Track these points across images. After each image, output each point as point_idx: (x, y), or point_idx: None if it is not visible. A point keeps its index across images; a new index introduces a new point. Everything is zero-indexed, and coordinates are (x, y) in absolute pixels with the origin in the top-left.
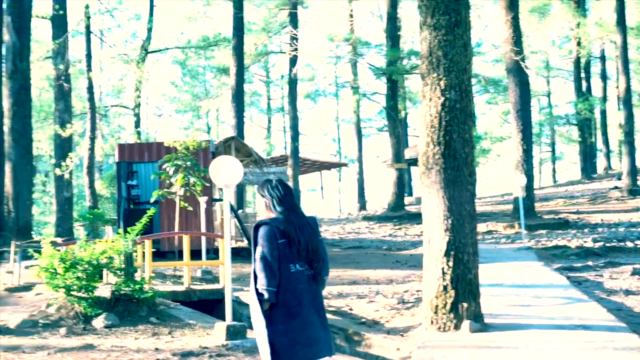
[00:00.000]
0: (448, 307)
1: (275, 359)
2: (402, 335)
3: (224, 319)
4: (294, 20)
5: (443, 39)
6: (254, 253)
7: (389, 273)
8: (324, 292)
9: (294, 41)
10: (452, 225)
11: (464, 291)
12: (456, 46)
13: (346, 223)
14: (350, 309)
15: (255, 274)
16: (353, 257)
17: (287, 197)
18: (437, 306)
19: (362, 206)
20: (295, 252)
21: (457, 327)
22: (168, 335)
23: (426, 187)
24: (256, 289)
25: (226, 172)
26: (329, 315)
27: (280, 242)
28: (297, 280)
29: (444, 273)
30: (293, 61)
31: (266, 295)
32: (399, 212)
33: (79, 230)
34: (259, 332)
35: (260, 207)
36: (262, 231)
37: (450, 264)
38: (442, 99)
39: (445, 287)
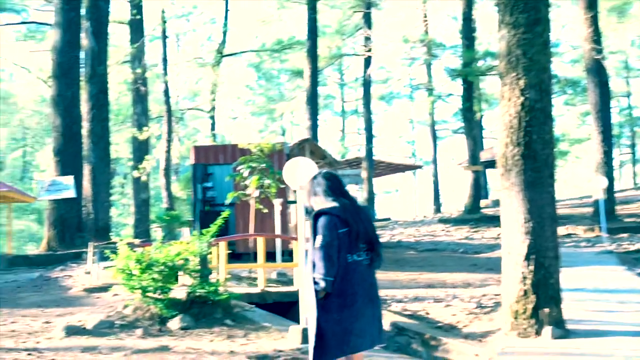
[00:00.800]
0: (528, 312)
1: (325, 346)
2: (480, 341)
3: (298, 322)
4: (368, 22)
5: (522, 37)
6: (314, 241)
7: (465, 276)
8: (400, 294)
9: (368, 43)
10: (533, 229)
11: (545, 296)
12: (535, 44)
13: (421, 225)
14: (427, 313)
15: (314, 262)
16: (429, 260)
17: (340, 187)
18: (517, 311)
19: (438, 209)
20: (354, 241)
21: (537, 333)
22: (243, 338)
23: (505, 189)
24: (313, 278)
25: (300, 173)
26: (405, 320)
27: (340, 232)
28: (355, 270)
29: (524, 277)
30: (367, 63)
31: (323, 284)
32: (476, 214)
33: (157, 232)
34: (311, 320)
35: (314, 201)
36: (323, 220)
37: (531, 268)
38: (522, 98)
39: (525, 292)
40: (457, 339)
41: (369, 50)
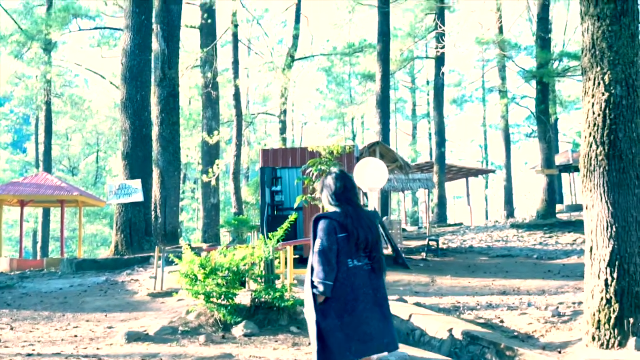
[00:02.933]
0: (612, 322)
1: (327, 353)
2: (559, 352)
3: None
4: (440, 24)
5: (607, 29)
6: (313, 246)
7: (540, 283)
8: (472, 301)
9: (440, 45)
10: (617, 233)
11: (629, 305)
12: (622, 37)
13: (493, 231)
14: (501, 321)
15: (312, 267)
16: (501, 266)
17: (346, 191)
18: (599, 321)
19: (510, 213)
20: (354, 246)
21: (621, 344)
22: (308, 346)
23: (588, 191)
24: (312, 282)
25: (370, 174)
26: (478, 328)
27: (339, 237)
28: (355, 275)
29: (607, 285)
30: (439, 66)
31: (321, 289)
32: (549, 219)
33: (226, 236)
34: (310, 325)
35: (323, 201)
36: (321, 224)
37: (615, 275)
38: (607, 94)
39: (608, 300)
40: (534, 349)
41: (442, 53)
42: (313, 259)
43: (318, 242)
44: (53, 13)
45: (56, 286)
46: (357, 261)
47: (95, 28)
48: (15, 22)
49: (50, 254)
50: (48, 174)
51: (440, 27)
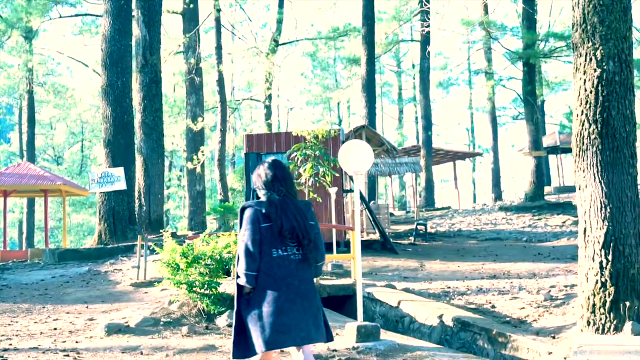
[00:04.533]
0: (607, 306)
1: (245, 342)
2: (553, 337)
3: (355, 318)
4: (424, 6)
5: (599, 3)
6: (239, 236)
7: (530, 266)
8: (462, 286)
9: (426, 25)
10: (611, 214)
11: (625, 288)
12: (614, 11)
13: (482, 214)
14: (493, 307)
15: (238, 257)
16: (491, 250)
17: (276, 180)
18: (594, 305)
19: (498, 196)
20: (278, 236)
21: (617, 328)
22: None
23: (580, 171)
24: (237, 272)
25: (356, 157)
26: (469, 314)
27: (262, 226)
28: (279, 265)
29: (602, 267)
30: (425, 49)
31: (244, 279)
32: (538, 201)
33: (213, 224)
34: (234, 314)
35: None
36: (246, 214)
37: (610, 257)
38: (599, 71)
39: (603, 284)
40: (528, 335)
41: (427, 36)
42: (238, 250)
43: (241, 232)
44: (33, 0)
45: (37, 277)
46: (282, 251)
47: (76, 15)
48: None
49: (37, 244)
50: (31, 164)
51: (425, 7)
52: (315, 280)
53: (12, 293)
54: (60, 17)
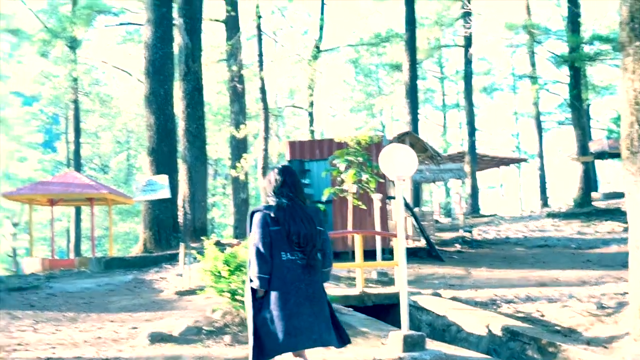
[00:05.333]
0: None
1: (260, 346)
2: (605, 347)
3: (400, 327)
4: (467, 12)
5: None
6: (249, 240)
7: (580, 274)
8: (510, 294)
9: (468, 27)
10: None
11: None
12: None
13: (529, 221)
14: (542, 315)
15: (250, 261)
16: (539, 257)
17: (285, 185)
18: None
19: (545, 203)
20: (286, 240)
21: None
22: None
23: (630, 175)
24: (249, 276)
25: (398, 162)
26: (518, 323)
27: (272, 230)
28: (288, 269)
29: None
30: (467, 54)
31: (257, 283)
32: (587, 208)
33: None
34: (248, 319)
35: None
36: (255, 218)
37: None
38: None
39: None
40: (578, 345)
41: (470, 40)
42: (249, 253)
43: (252, 236)
44: (77, 10)
45: (83, 286)
46: (290, 255)
47: (120, 24)
48: (39, 19)
49: (84, 253)
50: (77, 173)
51: (468, 11)
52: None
53: (58, 301)
54: (105, 26)
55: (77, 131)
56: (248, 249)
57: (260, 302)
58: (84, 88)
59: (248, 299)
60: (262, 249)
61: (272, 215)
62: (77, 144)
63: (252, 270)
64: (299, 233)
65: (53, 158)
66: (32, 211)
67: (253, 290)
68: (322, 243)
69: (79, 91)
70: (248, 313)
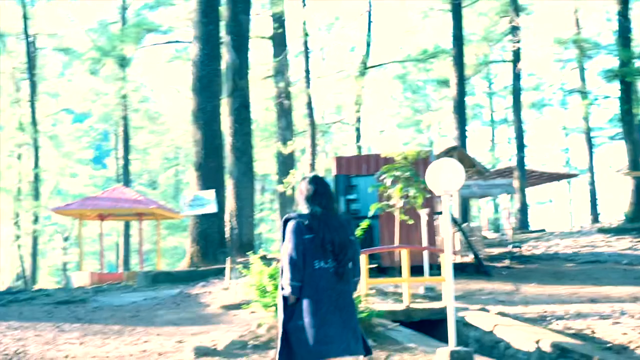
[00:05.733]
0: None
1: (290, 354)
2: None
3: (447, 342)
4: (516, 27)
5: None
6: (282, 247)
7: (632, 290)
8: (560, 310)
9: (516, 43)
10: None
11: None
12: None
13: (579, 236)
14: (593, 332)
15: (282, 268)
16: (590, 273)
17: (317, 194)
18: None
19: (595, 218)
20: (320, 248)
21: None
22: None
23: None
24: (281, 283)
25: (445, 176)
26: (568, 339)
27: (306, 238)
28: (320, 277)
29: None
30: (516, 68)
31: (289, 290)
32: (638, 223)
33: None
34: (278, 325)
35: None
36: (289, 226)
37: None
38: None
39: None
40: None
41: (518, 55)
42: (282, 261)
43: (285, 243)
44: (126, 29)
45: (130, 299)
46: (323, 263)
47: (168, 42)
48: (90, 38)
49: (133, 267)
50: (126, 188)
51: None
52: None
53: (104, 315)
54: (153, 44)
55: (127, 147)
56: (281, 255)
57: (291, 309)
58: (133, 105)
59: (280, 306)
60: (295, 257)
61: (306, 223)
62: (127, 160)
63: (285, 277)
64: (333, 241)
65: (103, 174)
66: (81, 226)
67: (284, 298)
68: (354, 252)
69: (128, 108)
70: (279, 320)
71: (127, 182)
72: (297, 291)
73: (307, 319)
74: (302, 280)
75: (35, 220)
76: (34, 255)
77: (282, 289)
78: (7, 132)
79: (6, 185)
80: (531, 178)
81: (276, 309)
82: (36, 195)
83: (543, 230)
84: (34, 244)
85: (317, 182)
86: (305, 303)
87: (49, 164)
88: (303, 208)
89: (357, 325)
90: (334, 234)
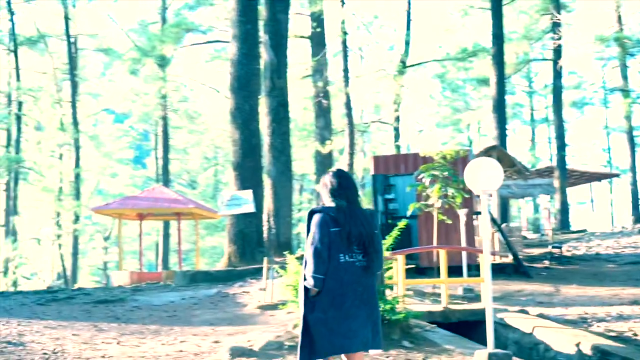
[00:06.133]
0: None
1: (311, 346)
2: None
3: (485, 344)
4: (556, 24)
5: None
6: (306, 239)
7: None
8: (601, 312)
9: (557, 39)
10: None
11: None
12: None
13: (621, 237)
14: (635, 334)
15: (306, 260)
16: (632, 274)
17: (342, 188)
18: None
19: (637, 219)
20: (346, 241)
21: None
22: None
23: None
24: (304, 274)
25: (484, 175)
26: (609, 342)
27: (332, 231)
28: (345, 270)
29: None
30: (557, 67)
31: (312, 282)
32: None
33: None
34: (301, 317)
35: (322, 197)
36: (315, 218)
37: None
38: None
39: None
40: None
41: (559, 53)
42: (306, 253)
43: (311, 235)
44: (166, 29)
45: (167, 299)
46: (348, 257)
47: (207, 42)
48: (130, 38)
49: (172, 266)
50: (164, 188)
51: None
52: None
53: (142, 314)
54: (192, 44)
55: (166, 147)
56: (305, 247)
57: (313, 301)
58: (173, 105)
59: (301, 297)
60: (320, 249)
61: (332, 215)
62: (166, 160)
63: (308, 269)
64: (359, 235)
65: (143, 174)
66: (121, 225)
67: (306, 289)
68: (380, 246)
69: (167, 108)
70: (300, 311)
71: (166, 182)
72: (320, 284)
73: (331, 312)
74: (325, 273)
75: (76, 219)
76: (75, 254)
77: (305, 280)
78: (48, 132)
79: (48, 185)
80: (572, 178)
81: None
82: (77, 195)
83: (584, 231)
84: (75, 243)
85: (341, 176)
86: (329, 296)
87: (90, 164)
88: (328, 201)
89: (378, 318)
90: (361, 227)
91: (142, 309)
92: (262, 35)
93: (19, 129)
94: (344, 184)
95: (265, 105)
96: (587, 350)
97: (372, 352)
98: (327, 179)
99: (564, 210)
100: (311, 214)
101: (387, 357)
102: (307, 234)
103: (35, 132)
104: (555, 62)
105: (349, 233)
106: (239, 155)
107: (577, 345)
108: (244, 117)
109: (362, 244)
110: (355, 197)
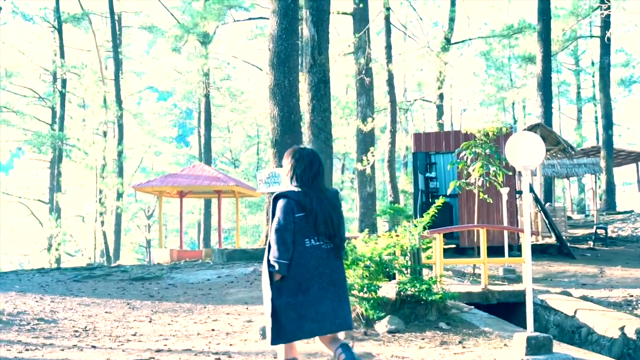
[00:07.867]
0: None
1: (280, 331)
2: None
3: (525, 327)
4: (605, 1)
5: None
6: (271, 224)
7: None
8: None
9: (606, 23)
10: None
11: None
12: None
13: None
14: None
15: (269, 245)
16: None
17: (309, 170)
18: None
19: None
20: (312, 226)
21: None
22: (458, 345)
23: None
24: (268, 260)
25: (525, 151)
26: None
27: (297, 216)
28: (311, 255)
29: None
30: (604, 45)
31: (277, 267)
32: None
33: (385, 226)
34: (266, 303)
35: (283, 176)
36: (280, 203)
37: None
38: None
39: None
40: None
41: (607, 31)
42: (270, 238)
43: (275, 220)
44: (209, 6)
45: (203, 277)
46: (314, 241)
47: (249, 19)
48: (173, 16)
49: (213, 245)
50: (205, 165)
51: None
52: None
53: (177, 292)
54: (235, 21)
55: (208, 125)
56: (269, 232)
57: (278, 286)
58: (215, 83)
59: (266, 282)
60: (285, 235)
61: (298, 201)
62: (208, 138)
63: (272, 254)
64: (327, 219)
65: (186, 152)
66: (162, 203)
67: (271, 274)
68: (344, 228)
69: (210, 86)
70: (266, 296)
71: (208, 160)
72: (285, 269)
73: (299, 297)
74: (290, 258)
75: (119, 197)
76: (117, 232)
77: (271, 266)
78: (92, 110)
79: (90, 162)
80: (618, 158)
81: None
82: (120, 173)
83: (630, 212)
84: (117, 220)
85: (308, 158)
86: (295, 281)
87: (133, 142)
88: (293, 185)
89: (348, 299)
90: (326, 211)
91: (177, 287)
92: (304, 11)
93: (62, 107)
94: (313, 165)
95: (305, 82)
96: (631, 334)
97: (457, 350)
98: (292, 159)
99: (610, 190)
100: (275, 199)
101: (423, 338)
102: (272, 219)
103: (79, 110)
104: (603, 40)
105: (315, 218)
106: (278, 132)
107: (621, 329)
108: (283, 94)
109: (329, 226)
110: (320, 179)
